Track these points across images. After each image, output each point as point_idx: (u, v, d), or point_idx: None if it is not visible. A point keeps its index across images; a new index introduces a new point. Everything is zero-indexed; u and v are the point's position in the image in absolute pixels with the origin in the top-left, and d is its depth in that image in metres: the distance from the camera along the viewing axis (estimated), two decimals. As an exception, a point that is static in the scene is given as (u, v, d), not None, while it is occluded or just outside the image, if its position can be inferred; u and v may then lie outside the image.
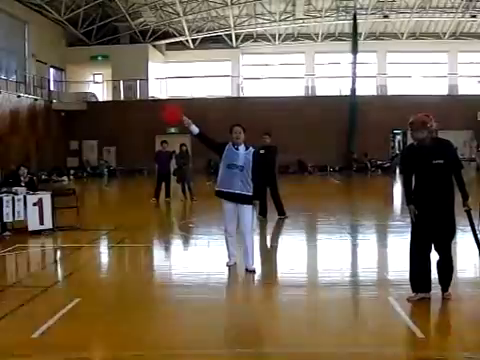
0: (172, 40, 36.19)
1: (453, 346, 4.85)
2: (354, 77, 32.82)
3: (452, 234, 5.73)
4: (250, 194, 7.28)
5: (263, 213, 12.13)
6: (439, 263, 5.78)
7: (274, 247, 9.81)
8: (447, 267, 5.75)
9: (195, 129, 7.31)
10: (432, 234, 5.68)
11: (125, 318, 5.56)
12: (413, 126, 5.63)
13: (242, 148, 7.34)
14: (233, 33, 36.07)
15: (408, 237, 5.96)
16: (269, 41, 36.96)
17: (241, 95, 35.31)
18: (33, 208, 10.60)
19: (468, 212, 5.68)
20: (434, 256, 5.81)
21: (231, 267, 7.59)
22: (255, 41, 37.36)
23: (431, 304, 5.76)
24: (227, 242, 7.64)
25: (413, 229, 5.85)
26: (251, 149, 7.42)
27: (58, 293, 6.75)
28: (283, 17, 34.78)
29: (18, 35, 28.93)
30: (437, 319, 5.71)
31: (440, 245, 5.68)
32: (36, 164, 27.17)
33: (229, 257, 7.68)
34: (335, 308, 5.90)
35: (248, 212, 7.37)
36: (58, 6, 30.15)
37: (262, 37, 37.13)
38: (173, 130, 28.69)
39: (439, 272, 5.82)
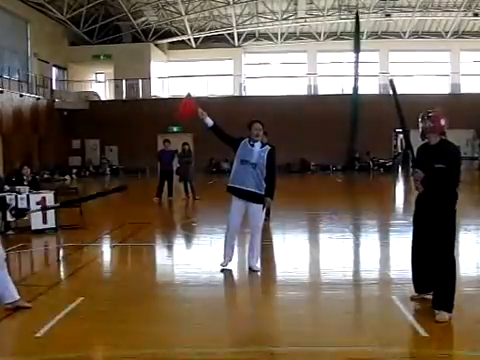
0: (174, 39, 36.22)
1: (457, 344, 4.84)
2: (356, 76, 32.82)
3: (449, 232, 5.57)
4: (262, 193, 7.07)
5: (267, 213, 12.08)
6: (438, 271, 5.33)
7: (276, 246, 9.80)
8: (446, 273, 5.28)
9: (210, 121, 7.19)
10: (431, 234, 5.59)
11: (128, 317, 5.55)
12: (422, 116, 5.49)
13: (258, 145, 7.13)
14: (235, 32, 36.07)
15: (410, 236, 5.93)
16: (271, 40, 36.96)
17: (243, 94, 35.31)
18: (36, 207, 10.59)
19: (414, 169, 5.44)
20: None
21: (225, 268, 7.36)
22: (257, 40, 37.38)
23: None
24: (226, 241, 7.42)
25: (413, 230, 5.81)
26: (267, 147, 7.18)
27: (61, 292, 6.76)
28: (285, 16, 34.77)
29: (20, 34, 28.95)
30: (441, 318, 5.69)
31: (440, 245, 5.55)
32: (38, 163, 27.20)
33: (224, 257, 7.44)
34: (338, 307, 5.88)
35: (258, 211, 7.18)
36: (60, 5, 30.19)
37: (264, 36, 37.13)
38: (175, 129, 28.79)
39: (437, 284, 5.34)
